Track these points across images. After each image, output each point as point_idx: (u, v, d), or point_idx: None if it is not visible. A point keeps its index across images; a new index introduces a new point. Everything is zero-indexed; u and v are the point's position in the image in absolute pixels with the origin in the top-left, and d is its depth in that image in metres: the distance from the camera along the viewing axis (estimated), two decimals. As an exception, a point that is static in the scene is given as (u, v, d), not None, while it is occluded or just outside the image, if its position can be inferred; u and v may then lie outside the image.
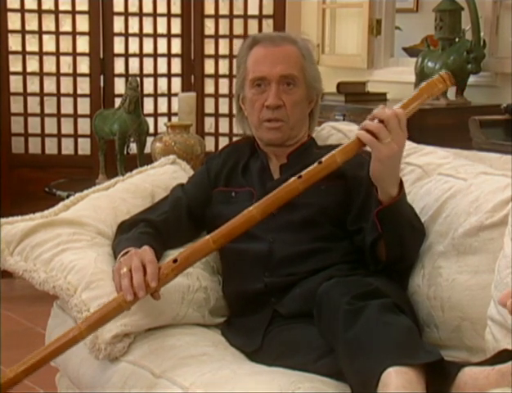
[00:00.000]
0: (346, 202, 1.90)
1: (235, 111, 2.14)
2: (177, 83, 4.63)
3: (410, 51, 4.93)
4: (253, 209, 1.71)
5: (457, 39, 3.58)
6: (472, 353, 1.74)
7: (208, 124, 4.66)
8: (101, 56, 4.53)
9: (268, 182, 1.99)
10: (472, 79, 3.58)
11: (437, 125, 3.36)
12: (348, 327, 1.51)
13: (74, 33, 4.51)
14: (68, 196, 2.23)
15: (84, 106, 4.54)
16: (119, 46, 4.55)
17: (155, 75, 4.62)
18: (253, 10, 4.59)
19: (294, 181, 1.71)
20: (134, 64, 4.59)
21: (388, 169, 1.69)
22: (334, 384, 1.57)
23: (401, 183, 1.74)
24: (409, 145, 2.15)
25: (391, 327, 1.49)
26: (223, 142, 4.45)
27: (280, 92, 1.96)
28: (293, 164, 1.99)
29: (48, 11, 4.49)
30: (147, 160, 3.20)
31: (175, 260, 1.71)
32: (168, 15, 4.58)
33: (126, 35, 4.56)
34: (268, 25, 4.55)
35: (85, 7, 4.48)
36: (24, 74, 4.52)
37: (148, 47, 4.59)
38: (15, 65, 4.50)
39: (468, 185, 1.87)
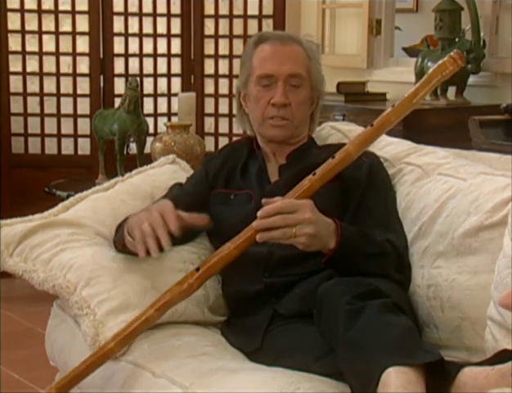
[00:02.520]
0: (343, 203, 1.90)
1: (235, 109, 2.13)
2: (176, 83, 4.63)
3: (410, 52, 4.93)
4: None
5: (457, 39, 3.58)
6: (471, 353, 1.74)
7: (208, 124, 4.66)
8: (101, 56, 4.53)
9: (267, 185, 1.99)
10: (472, 79, 3.58)
11: (436, 125, 3.37)
12: (347, 327, 1.51)
13: (73, 33, 4.51)
14: (68, 196, 2.23)
15: (84, 106, 4.54)
16: (118, 46, 4.55)
17: (155, 75, 4.62)
18: (252, 10, 4.59)
19: (310, 179, 1.70)
20: (134, 64, 4.59)
21: (315, 243, 1.68)
22: (333, 384, 1.57)
23: (336, 226, 1.71)
24: (409, 145, 2.16)
25: (391, 327, 1.49)
26: (223, 142, 4.44)
27: (286, 91, 1.96)
28: (292, 164, 1.99)
29: (48, 11, 4.49)
30: (147, 160, 3.20)
31: (197, 269, 1.71)
32: (168, 15, 4.58)
33: (126, 35, 4.56)
34: (268, 25, 4.55)
35: (85, 7, 4.48)
36: (24, 74, 4.52)
37: (148, 47, 4.59)
38: (15, 65, 4.50)
39: (468, 185, 1.87)
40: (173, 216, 1.73)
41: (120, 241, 1.89)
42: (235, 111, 2.14)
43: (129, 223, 1.81)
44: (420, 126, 3.34)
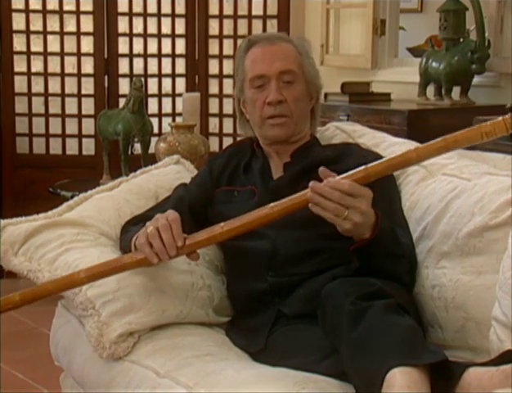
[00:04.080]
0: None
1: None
2: (181, 84, 4.64)
3: (415, 52, 4.93)
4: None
5: (461, 39, 3.57)
6: (476, 353, 1.73)
7: (213, 124, 4.66)
8: (106, 56, 4.53)
9: (270, 181, 1.99)
10: (476, 80, 3.57)
11: (441, 125, 3.35)
12: (351, 327, 1.51)
13: (78, 34, 4.51)
14: (72, 197, 2.23)
15: (88, 106, 4.55)
16: (123, 46, 4.56)
17: (160, 75, 4.62)
18: (257, 10, 4.59)
19: (365, 169, 1.66)
20: (138, 64, 4.60)
21: (355, 231, 1.67)
22: (338, 384, 1.57)
23: (376, 221, 1.69)
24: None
25: (395, 327, 1.48)
26: (227, 142, 4.45)
27: (280, 88, 1.96)
28: (296, 162, 1.99)
29: (53, 12, 4.49)
30: (151, 160, 3.20)
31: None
32: (173, 15, 4.59)
33: (130, 35, 4.56)
34: (272, 25, 4.55)
35: (89, 8, 4.49)
36: (28, 74, 4.52)
37: (152, 47, 4.60)
38: (19, 65, 4.51)
39: (472, 185, 1.87)
40: (180, 230, 1.72)
41: (128, 249, 1.88)
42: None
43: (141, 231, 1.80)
44: (425, 126, 3.34)
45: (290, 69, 1.97)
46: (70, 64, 4.53)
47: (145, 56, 4.59)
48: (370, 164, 1.67)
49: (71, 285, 1.79)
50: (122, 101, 4.02)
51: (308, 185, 1.64)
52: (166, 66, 4.63)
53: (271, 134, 2.00)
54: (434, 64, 3.61)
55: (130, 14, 4.54)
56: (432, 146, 1.65)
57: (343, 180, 1.63)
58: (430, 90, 3.70)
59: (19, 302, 1.79)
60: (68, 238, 1.99)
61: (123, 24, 4.54)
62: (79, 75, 4.53)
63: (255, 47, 2.01)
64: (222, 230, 1.71)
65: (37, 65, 4.53)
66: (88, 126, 4.52)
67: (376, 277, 1.70)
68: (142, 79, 3.80)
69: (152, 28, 4.58)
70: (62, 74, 4.53)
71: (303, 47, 2.03)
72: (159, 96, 4.63)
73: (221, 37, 4.60)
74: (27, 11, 4.48)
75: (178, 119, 4.36)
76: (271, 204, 1.70)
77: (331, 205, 1.61)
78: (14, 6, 4.46)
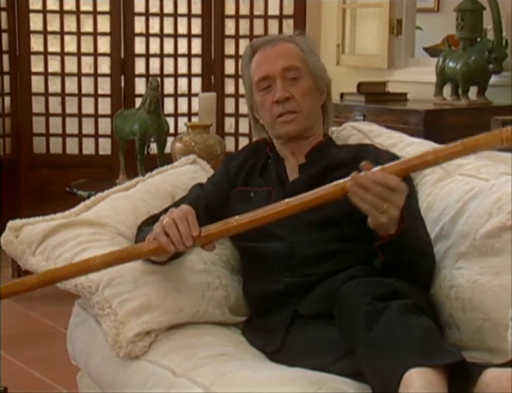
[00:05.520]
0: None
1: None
2: (197, 84, 4.65)
3: (431, 51, 4.92)
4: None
5: (479, 39, 3.56)
6: (494, 354, 1.72)
7: (228, 124, 4.67)
8: (122, 56, 4.55)
9: (287, 183, 1.99)
10: (493, 79, 3.56)
11: (458, 125, 3.35)
12: (368, 327, 1.50)
13: (95, 34, 4.54)
14: (89, 196, 2.24)
15: (105, 106, 4.57)
16: (139, 46, 4.58)
17: (176, 75, 4.64)
18: (273, 10, 4.60)
19: (402, 162, 1.66)
20: (155, 64, 4.61)
21: (387, 226, 1.67)
22: (354, 384, 1.57)
23: (401, 216, 1.68)
24: (430, 145, 2.14)
25: (412, 327, 1.48)
26: (243, 142, 4.45)
27: (286, 86, 1.97)
28: (312, 163, 1.99)
29: (70, 12, 4.52)
30: (167, 160, 3.21)
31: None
32: (189, 15, 4.60)
33: (147, 35, 4.58)
34: (288, 25, 4.55)
35: (106, 8, 4.51)
36: (45, 74, 4.55)
37: (168, 47, 4.61)
38: (36, 65, 4.54)
39: (490, 186, 1.86)
40: (196, 221, 1.73)
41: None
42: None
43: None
44: (441, 126, 3.33)
45: (293, 65, 1.98)
46: (87, 64, 4.55)
47: (161, 56, 4.60)
48: (387, 165, 1.66)
49: (86, 270, 1.80)
50: (138, 101, 4.04)
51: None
52: (182, 66, 4.64)
53: (283, 132, 2.00)
54: (451, 64, 3.60)
55: (146, 14, 4.56)
56: (450, 149, 1.64)
57: (385, 174, 1.62)
58: (447, 90, 3.69)
59: (35, 284, 1.80)
60: (85, 238, 1.99)
61: (139, 25, 4.56)
62: (96, 75, 4.56)
63: (258, 52, 2.03)
64: (237, 223, 1.72)
65: (54, 66, 4.56)
66: (105, 126, 4.54)
67: (399, 275, 1.71)
68: (158, 79, 3.82)
69: (168, 28, 4.60)
70: (79, 74, 4.55)
71: (306, 45, 2.04)
72: (175, 96, 4.65)
73: (237, 37, 4.61)
74: (44, 11, 4.51)
75: (194, 119, 4.37)
76: (287, 199, 1.70)
77: (371, 197, 1.61)
78: (31, 7, 4.50)
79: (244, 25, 4.62)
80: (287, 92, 1.96)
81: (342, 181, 1.66)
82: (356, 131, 2.24)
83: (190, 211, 1.74)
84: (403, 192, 1.64)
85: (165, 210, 2.04)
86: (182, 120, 4.40)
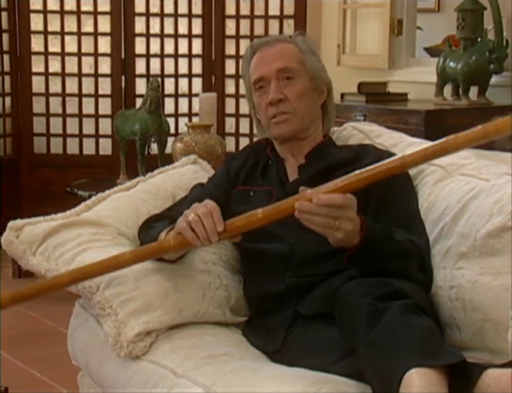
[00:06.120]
0: (365, 202, 1.89)
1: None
2: (197, 84, 4.65)
3: (432, 52, 4.92)
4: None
5: (479, 39, 3.56)
6: (494, 354, 1.72)
7: (229, 124, 4.67)
8: (123, 56, 4.55)
9: (287, 184, 1.99)
10: (494, 79, 3.56)
11: (458, 126, 3.32)
12: (369, 328, 1.50)
13: (95, 34, 4.54)
14: (89, 196, 2.24)
15: (105, 106, 4.57)
16: (140, 46, 4.58)
17: (176, 76, 4.64)
18: (274, 10, 4.60)
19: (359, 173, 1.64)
20: (155, 64, 4.61)
21: (348, 239, 1.67)
22: (355, 385, 1.57)
23: (362, 225, 1.68)
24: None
25: (413, 328, 1.48)
26: (244, 142, 4.45)
27: (280, 87, 1.97)
28: (311, 164, 1.99)
29: (70, 12, 4.52)
30: (168, 160, 3.21)
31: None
32: (189, 15, 4.60)
33: (147, 36, 4.58)
34: (289, 26, 4.55)
35: (107, 8, 4.51)
36: (46, 74, 4.55)
37: (169, 47, 4.62)
38: (37, 65, 4.54)
39: (490, 186, 1.86)
40: (220, 217, 1.72)
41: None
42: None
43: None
44: (442, 126, 3.33)
45: (288, 66, 1.98)
46: (87, 64, 4.56)
47: (161, 56, 4.61)
48: (328, 184, 1.63)
49: (117, 266, 1.79)
50: (139, 102, 4.04)
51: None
52: (183, 66, 4.64)
53: (277, 133, 2.00)
54: (452, 64, 3.60)
55: (147, 14, 4.56)
56: (416, 154, 1.60)
57: (328, 195, 1.61)
58: (447, 90, 3.69)
59: (67, 281, 1.81)
60: (85, 238, 1.99)
61: (140, 25, 4.56)
62: (96, 75, 4.56)
63: (256, 53, 2.03)
64: (262, 215, 1.70)
65: (54, 66, 4.56)
66: (105, 126, 4.54)
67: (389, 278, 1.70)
68: (159, 79, 3.82)
69: (169, 28, 4.60)
70: (79, 75, 4.56)
71: (306, 45, 2.04)
72: (176, 96, 4.65)
73: (237, 37, 4.61)
74: (45, 11, 4.51)
75: (195, 120, 4.37)
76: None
77: (321, 219, 1.61)
78: (32, 7, 4.50)
79: (244, 25, 4.62)
80: (280, 93, 1.96)
81: (288, 200, 1.64)
82: (356, 131, 2.24)
83: (214, 207, 1.73)
84: (352, 206, 1.64)
85: (167, 210, 2.05)
86: (183, 120, 4.40)
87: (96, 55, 4.54)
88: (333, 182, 1.64)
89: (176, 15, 4.59)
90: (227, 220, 1.72)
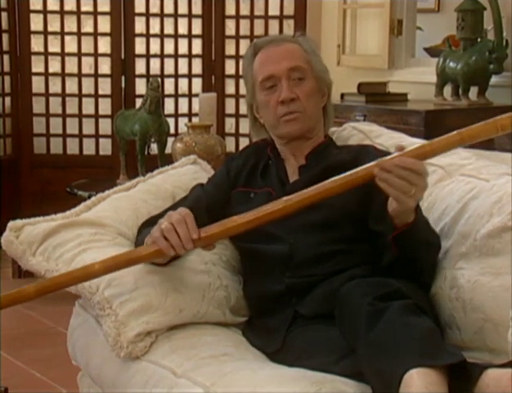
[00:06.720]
0: (366, 202, 1.89)
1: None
2: (197, 84, 4.65)
3: (432, 52, 4.92)
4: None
5: (479, 39, 3.56)
6: (494, 355, 1.72)
7: (229, 124, 4.67)
8: (123, 56, 4.55)
9: (287, 184, 1.99)
10: (494, 80, 3.56)
11: (458, 126, 3.33)
12: (369, 328, 1.50)
13: (95, 34, 4.54)
14: (89, 197, 2.24)
15: (105, 106, 4.57)
16: (140, 46, 4.58)
17: (176, 76, 4.64)
18: (274, 10, 4.60)
19: (430, 144, 1.67)
20: (155, 64, 4.61)
21: (410, 210, 1.68)
22: (355, 385, 1.57)
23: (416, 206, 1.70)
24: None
25: (413, 328, 1.48)
26: (244, 142, 4.45)
27: (291, 86, 1.96)
28: (312, 165, 1.99)
29: (70, 12, 4.52)
30: (168, 160, 3.21)
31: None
32: (189, 15, 4.60)
33: (147, 36, 4.58)
34: (289, 26, 4.56)
35: (107, 8, 4.51)
36: (46, 74, 4.55)
37: (169, 47, 4.62)
38: (37, 65, 4.54)
39: (490, 186, 1.86)
40: (195, 224, 1.72)
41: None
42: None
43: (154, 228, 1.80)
44: (442, 127, 3.32)
45: (298, 65, 1.98)
46: (87, 64, 4.56)
47: (161, 56, 4.61)
48: (429, 142, 1.67)
49: (86, 277, 1.79)
50: (138, 102, 4.04)
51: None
52: (183, 67, 4.64)
53: (286, 131, 2.00)
54: (451, 64, 3.60)
55: (147, 14, 4.56)
56: (448, 139, 1.69)
57: (410, 158, 1.62)
58: (447, 90, 3.69)
59: (33, 294, 1.78)
60: (85, 238, 1.99)
61: (139, 25, 4.56)
62: (96, 76, 4.56)
63: (261, 51, 2.02)
64: (236, 223, 1.72)
65: (54, 66, 4.56)
66: (105, 126, 4.55)
67: (405, 271, 1.72)
68: (159, 80, 3.82)
69: (169, 28, 4.60)
70: (79, 75, 4.56)
71: (309, 46, 2.04)
72: (176, 96, 4.65)
73: (237, 37, 4.61)
74: (45, 11, 4.51)
75: (195, 120, 4.37)
76: (285, 197, 1.71)
77: (400, 182, 1.61)
78: (32, 7, 4.50)
79: (244, 26, 4.62)
80: (292, 92, 1.96)
81: (365, 167, 1.66)
82: (356, 131, 2.24)
83: (188, 214, 1.73)
84: (427, 175, 1.65)
85: (166, 210, 2.04)
86: (183, 121, 4.40)
87: (96, 55, 4.55)
88: (408, 148, 1.65)
89: (176, 16, 4.60)
90: (202, 228, 1.72)
